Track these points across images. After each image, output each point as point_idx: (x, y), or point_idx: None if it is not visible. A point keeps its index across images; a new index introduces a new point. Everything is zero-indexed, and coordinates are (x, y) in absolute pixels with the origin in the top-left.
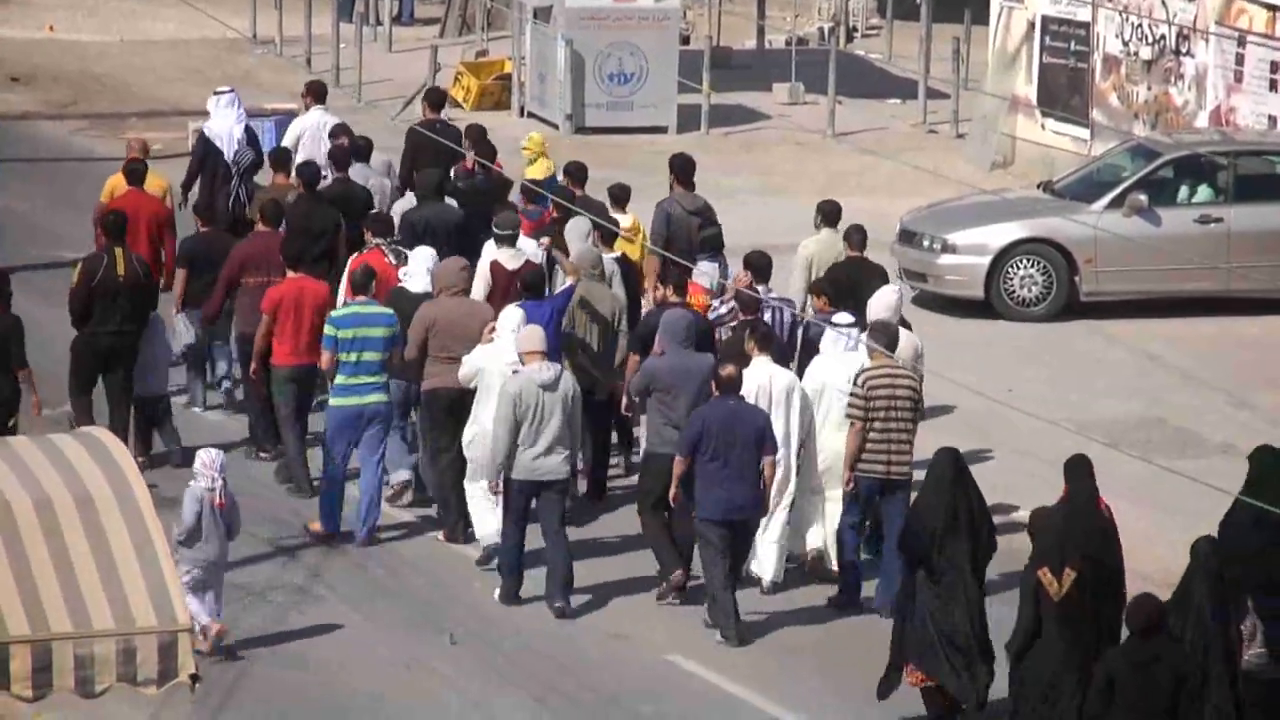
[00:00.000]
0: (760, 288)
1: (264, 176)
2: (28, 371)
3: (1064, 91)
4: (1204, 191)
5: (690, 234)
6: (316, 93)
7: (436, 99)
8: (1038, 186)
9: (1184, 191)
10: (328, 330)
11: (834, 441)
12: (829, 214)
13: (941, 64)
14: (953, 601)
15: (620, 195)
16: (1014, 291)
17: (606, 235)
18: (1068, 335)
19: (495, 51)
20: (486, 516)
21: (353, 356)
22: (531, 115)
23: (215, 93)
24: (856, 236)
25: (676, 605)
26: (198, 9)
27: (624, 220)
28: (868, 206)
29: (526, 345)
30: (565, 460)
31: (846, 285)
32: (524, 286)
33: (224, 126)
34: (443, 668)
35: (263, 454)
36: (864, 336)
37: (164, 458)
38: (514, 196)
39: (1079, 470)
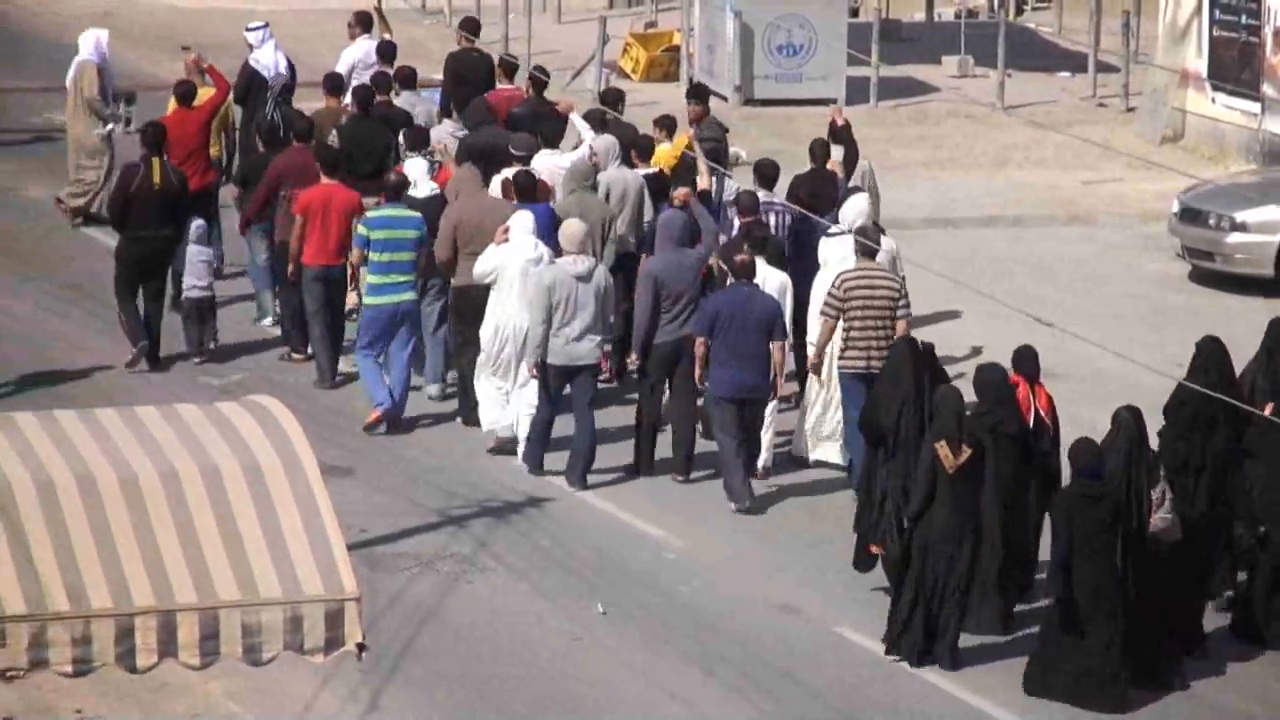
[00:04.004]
0: (764, 194)
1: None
2: None
3: (1234, 65)
4: None
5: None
6: (364, 22)
7: (472, 27)
8: None
9: None
10: (360, 230)
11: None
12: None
13: (1111, 37)
14: (907, 479)
15: (667, 124)
16: None
17: (643, 153)
18: None
19: (664, 23)
20: (493, 408)
21: (385, 256)
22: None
23: (250, 28)
24: (819, 150)
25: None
26: None
27: (666, 145)
28: (1037, 179)
29: (568, 243)
30: (597, 346)
31: (806, 199)
32: (516, 189)
33: (269, 57)
34: (610, 639)
35: (295, 354)
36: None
37: (203, 352)
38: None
39: (1021, 359)
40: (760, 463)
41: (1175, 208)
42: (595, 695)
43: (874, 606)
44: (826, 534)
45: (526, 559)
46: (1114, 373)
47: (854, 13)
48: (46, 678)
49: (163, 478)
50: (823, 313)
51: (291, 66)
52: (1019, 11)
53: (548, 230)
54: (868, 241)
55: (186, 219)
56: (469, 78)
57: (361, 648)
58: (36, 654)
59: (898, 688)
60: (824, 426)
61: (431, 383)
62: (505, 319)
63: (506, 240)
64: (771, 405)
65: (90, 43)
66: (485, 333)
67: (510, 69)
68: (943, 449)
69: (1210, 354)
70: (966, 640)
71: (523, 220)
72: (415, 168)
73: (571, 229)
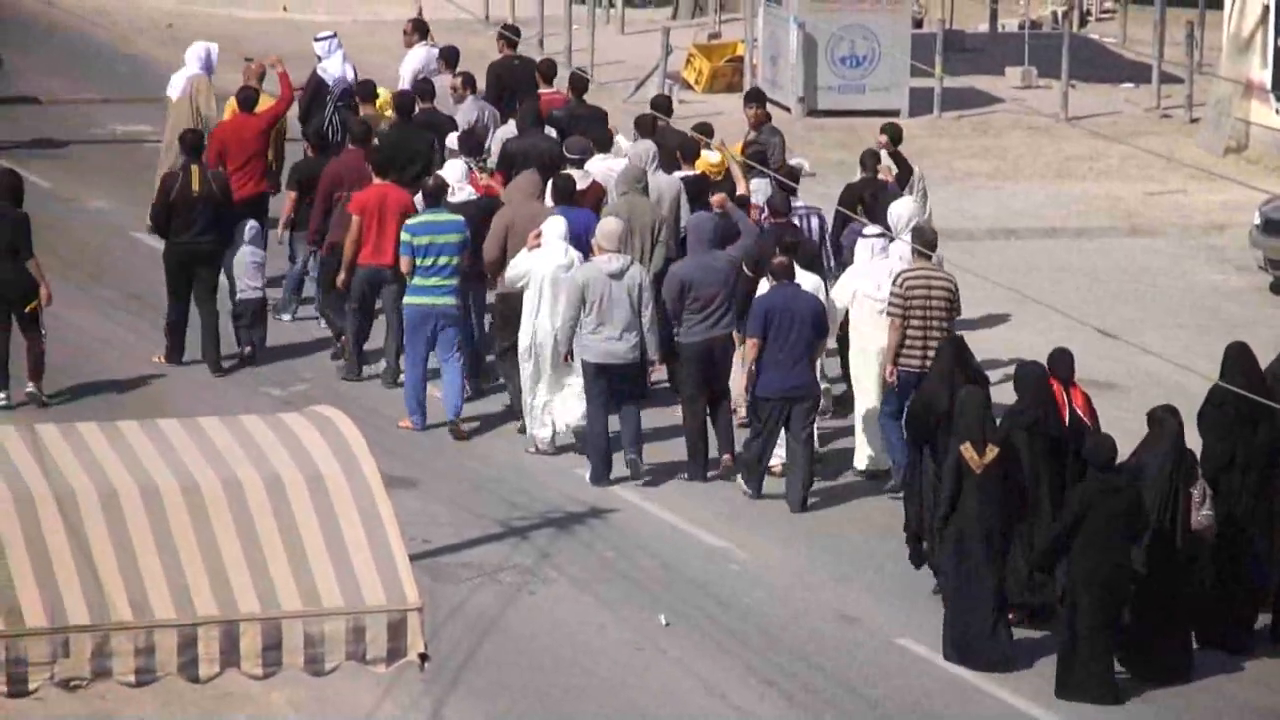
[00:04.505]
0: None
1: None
2: (35, 261)
3: None
4: None
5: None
6: (421, 30)
7: (513, 36)
8: None
9: None
10: (403, 237)
11: (861, 339)
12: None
13: (1175, 48)
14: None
15: (704, 131)
16: None
17: (687, 155)
18: None
19: (728, 34)
20: (539, 424)
21: (428, 260)
22: None
23: (318, 38)
24: (869, 160)
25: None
26: None
27: (713, 156)
28: (1100, 190)
29: (605, 240)
30: (634, 347)
31: (869, 201)
32: (555, 192)
33: (337, 67)
34: (673, 650)
35: (341, 339)
36: (897, 242)
37: (246, 357)
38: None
39: (1056, 361)
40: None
41: (1257, 219)
42: (657, 706)
43: (936, 617)
44: (888, 543)
45: (589, 570)
46: (1179, 384)
47: (918, 24)
48: (109, 687)
49: (225, 487)
50: (889, 313)
51: (356, 75)
52: (1083, 23)
53: (588, 234)
54: (922, 245)
55: (229, 225)
56: (512, 85)
57: (424, 658)
58: (100, 663)
59: (960, 699)
60: (867, 435)
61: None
62: (537, 325)
63: (539, 245)
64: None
65: (200, 54)
66: (522, 338)
67: (549, 73)
68: (968, 450)
69: (1238, 358)
70: (1032, 649)
71: (555, 226)
72: (454, 171)
73: (609, 227)
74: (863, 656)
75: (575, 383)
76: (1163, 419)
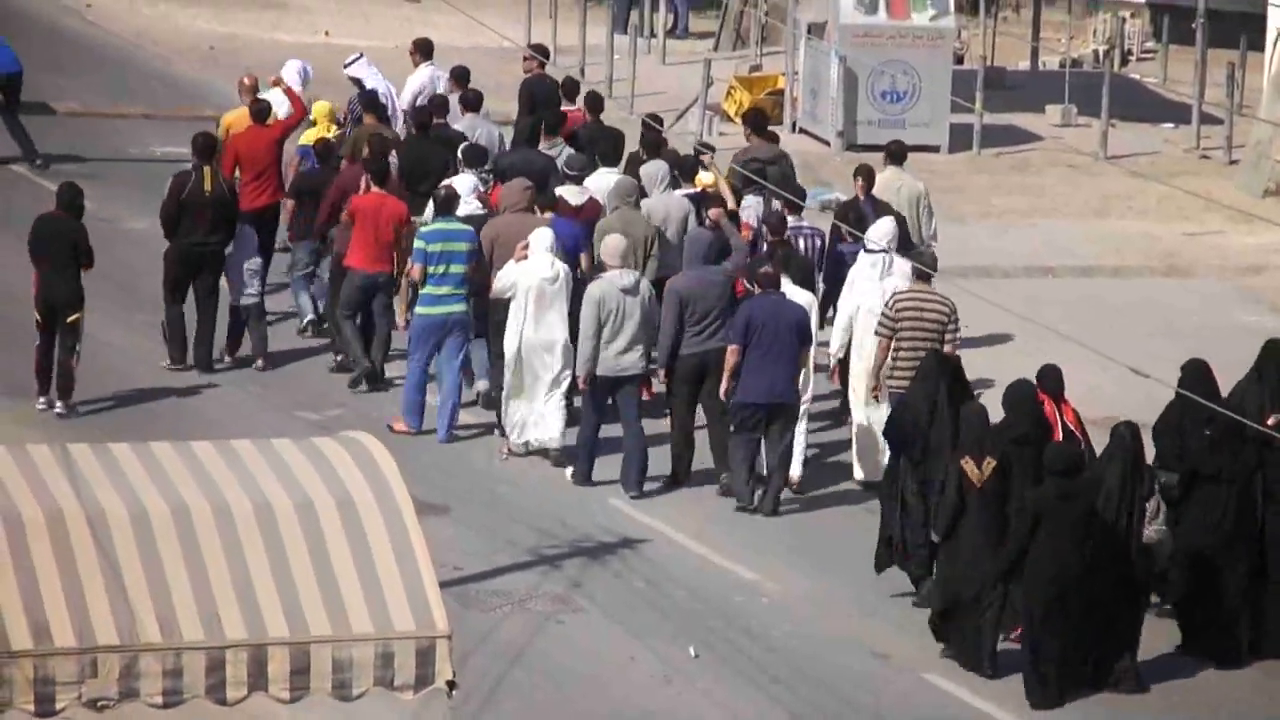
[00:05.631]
0: (791, 218)
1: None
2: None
3: None
4: None
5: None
6: (424, 50)
7: (543, 54)
8: None
9: None
10: (417, 244)
11: (865, 355)
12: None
13: (1216, 89)
14: (929, 485)
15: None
16: None
17: (686, 174)
18: None
19: (769, 67)
20: (511, 419)
21: (439, 269)
22: (803, 131)
23: (349, 64)
24: (865, 180)
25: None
26: (471, 17)
27: (706, 176)
28: (1138, 230)
29: (610, 257)
30: (642, 357)
31: (859, 219)
32: (542, 204)
33: (381, 84)
34: (702, 682)
35: (339, 356)
36: (899, 260)
37: (248, 360)
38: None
39: (1045, 376)
40: (793, 474)
41: None
42: None
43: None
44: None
45: (619, 600)
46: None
47: (959, 60)
48: (136, 708)
49: (256, 510)
50: (877, 332)
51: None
52: (1124, 62)
53: (575, 247)
54: (922, 268)
55: (234, 228)
56: (543, 103)
57: (452, 685)
58: (128, 684)
59: None
60: (866, 443)
61: (480, 379)
62: (523, 336)
63: (525, 257)
64: (803, 408)
65: (299, 69)
66: (508, 347)
67: (571, 91)
68: (968, 465)
69: (1204, 375)
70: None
71: (542, 238)
72: (463, 184)
73: (612, 243)
74: (891, 691)
75: (555, 399)
76: (1122, 434)
